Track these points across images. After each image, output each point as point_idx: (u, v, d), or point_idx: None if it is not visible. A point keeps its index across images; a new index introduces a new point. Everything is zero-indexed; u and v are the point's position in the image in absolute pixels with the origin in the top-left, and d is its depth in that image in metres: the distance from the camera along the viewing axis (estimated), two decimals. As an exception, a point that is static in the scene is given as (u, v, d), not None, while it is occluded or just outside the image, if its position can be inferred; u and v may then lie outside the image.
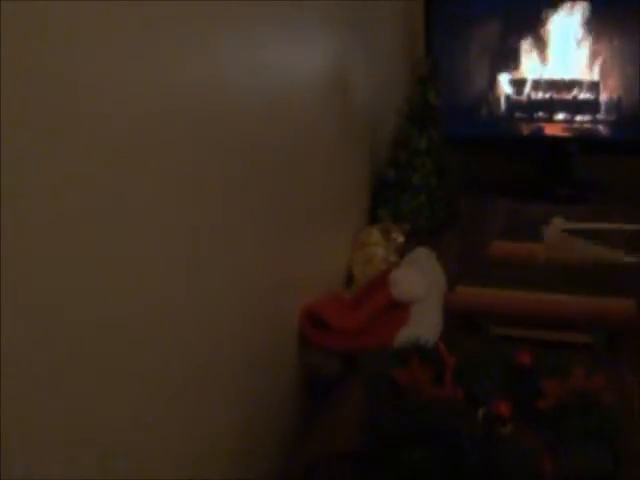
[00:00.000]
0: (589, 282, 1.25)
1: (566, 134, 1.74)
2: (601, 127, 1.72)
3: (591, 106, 1.71)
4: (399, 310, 1.25)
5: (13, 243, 0.55)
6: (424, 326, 1.20)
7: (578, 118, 1.73)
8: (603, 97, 1.70)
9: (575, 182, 1.76)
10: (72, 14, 0.60)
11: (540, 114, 1.75)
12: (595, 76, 1.70)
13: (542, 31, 1.71)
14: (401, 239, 1.46)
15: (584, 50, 1.69)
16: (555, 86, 1.73)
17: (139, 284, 0.73)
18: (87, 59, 0.63)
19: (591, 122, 1.72)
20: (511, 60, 1.74)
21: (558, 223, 1.28)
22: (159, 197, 0.75)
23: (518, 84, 1.75)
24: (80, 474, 0.64)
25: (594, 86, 1.70)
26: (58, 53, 0.59)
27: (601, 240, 1.28)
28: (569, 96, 1.72)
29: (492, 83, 1.76)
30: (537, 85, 1.74)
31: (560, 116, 1.74)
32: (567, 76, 1.72)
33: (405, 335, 1.15)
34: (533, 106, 1.75)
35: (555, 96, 1.73)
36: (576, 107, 1.72)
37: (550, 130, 1.75)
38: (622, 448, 0.85)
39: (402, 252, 1.43)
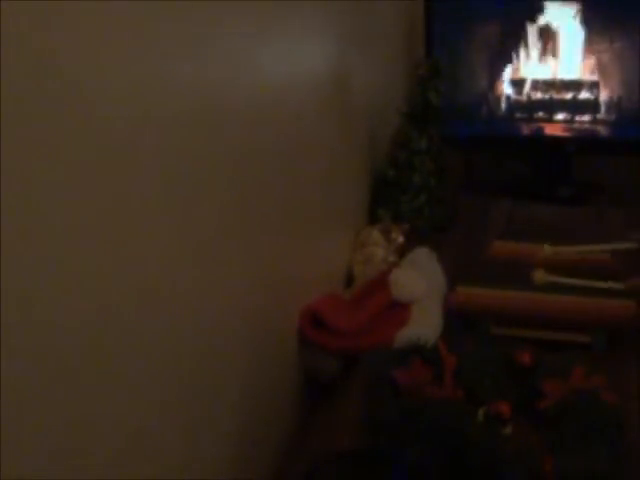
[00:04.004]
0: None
1: (566, 134, 1.74)
2: (601, 127, 1.72)
3: (591, 106, 1.71)
4: (399, 310, 1.25)
5: (14, 237, 0.55)
6: (424, 326, 1.20)
7: (578, 118, 1.73)
8: (603, 97, 1.70)
9: (575, 182, 1.76)
10: (73, 14, 0.60)
11: (540, 114, 1.75)
12: (595, 76, 1.69)
13: (542, 31, 1.71)
14: (401, 239, 1.46)
15: (584, 50, 1.69)
16: (555, 86, 1.73)
17: (138, 285, 0.73)
18: (87, 59, 0.63)
19: (591, 122, 1.72)
20: (511, 60, 1.74)
21: (541, 275, 1.29)
22: (158, 197, 0.75)
23: (518, 84, 1.75)
24: (78, 474, 0.64)
25: (594, 86, 1.70)
26: (58, 54, 0.59)
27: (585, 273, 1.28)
28: (569, 96, 1.72)
29: (492, 83, 1.76)
30: (537, 85, 1.74)
31: (560, 116, 1.74)
32: (567, 76, 1.72)
33: (405, 335, 1.15)
34: (533, 106, 1.75)
35: (555, 96, 1.73)
36: (576, 107, 1.72)
37: (550, 130, 1.75)
38: (622, 448, 0.85)
39: (402, 252, 1.43)
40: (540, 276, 1.27)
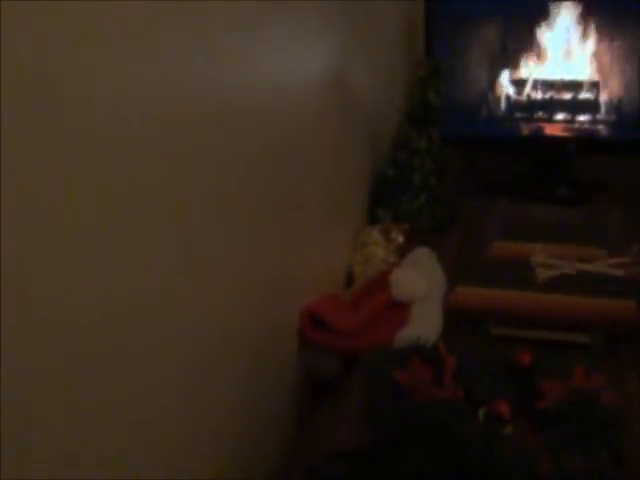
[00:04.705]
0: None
1: (566, 134, 1.74)
2: (601, 127, 1.72)
3: (591, 106, 1.71)
4: (399, 310, 1.25)
5: (15, 238, 0.55)
6: (424, 326, 1.20)
7: (578, 118, 1.73)
8: (603, 97, 1.70)
9: (575, 182, 1.76)
10: (76, 15, 0.60)
11: (540, 114, 1.75)
12: (595, 76, 1.70)
13: (542, 31, 1.71)
14: (401, 239, 1.46)
15: (584, 50, 1.69)
16: (555, 86, 1.73)
17: (139, 284, 0.73)
18: (87, 60, 0.63)
19: (591, 122, 1.72)
20: (511, 60, 1.74)
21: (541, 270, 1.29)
22: (161, 197, 0.75)
23: (518, 84, 1.75)
24: (78, 474, 0.64)
25: (594, 86, 1.70)
26: (60, 54, 0.59)
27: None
28: (569, 96, 1.72)
29: (492, 83, 1.76)
30: (537, 85, 1.74)
31: (560, 116, 1.74)
32: (567, 76, 1.72)
33: (405, 335, 1.15)
34: (533, 106, 1.75)
35: (555, 96, 1.73)
36: (576, 107, 1.72)
37: (550, 130, 1.75)
38: (622, 448, 0.85)
39: (402, 252, 1.43)
40: (539, 259, 1.27)
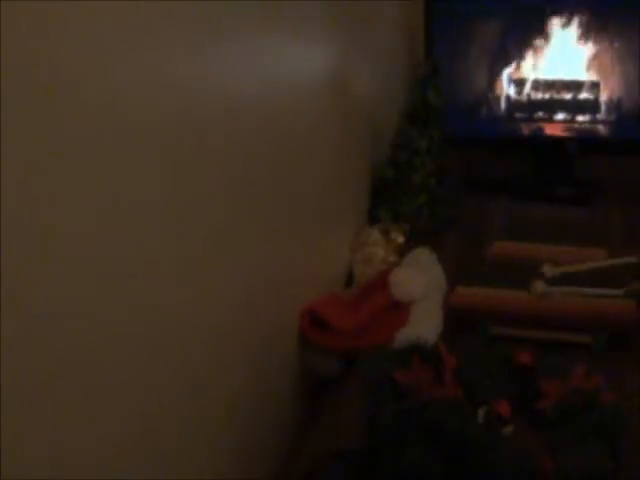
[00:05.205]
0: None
1: (566, 134, 1.74)
2: (601, 127, 1.72)
3: (591, 106, 1.71)
4: (399, 310, 1.25)
5: (13, 240, 0.55)
6: (424, 326, 1.20)
7: (578, 118, 1.73)
8: (603, 97, 1.70)
9: (575, 182, 1.76)
10: (78, 14, 0.60)
11: (540, 114, 1.75)
12: (595, 76, 1.69)
13: (542, 31, 1.71)
14: (401, 239, 1.46)
15: (584, 50, 1.69)
16: (555, 86, 1.73)
17: (139, 284, 0.73)
18: (86, 60, 0.63)
19: (591, 122, 1.72)
20: (511, 60, 1.74)
21: (547, 271, 1.27)
22: (162, 197, 0.75)
23: (518, 84, 1.75)
24: (77, 474, 0.64)
25: (594, 86, 1.70)
26: (60, 53, 0.59)
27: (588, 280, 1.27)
28: (569, 96, 1.72)
29: (492, 83, 1.76)
30: (537, 85, 1.74)
31: (560, 116, 1.74)
32: (567, 76, 1.72)
33: (405, 335, 1.15)
34: (533, 106, 1.75)
35: (555, 96, 1.73)
36: (576, 107, 1.72)
37: (550, 130, 1.75)
38: (622, 448, 0.85)
39: (402, 252, 1.43)
40: (540, 287, 1.25)
